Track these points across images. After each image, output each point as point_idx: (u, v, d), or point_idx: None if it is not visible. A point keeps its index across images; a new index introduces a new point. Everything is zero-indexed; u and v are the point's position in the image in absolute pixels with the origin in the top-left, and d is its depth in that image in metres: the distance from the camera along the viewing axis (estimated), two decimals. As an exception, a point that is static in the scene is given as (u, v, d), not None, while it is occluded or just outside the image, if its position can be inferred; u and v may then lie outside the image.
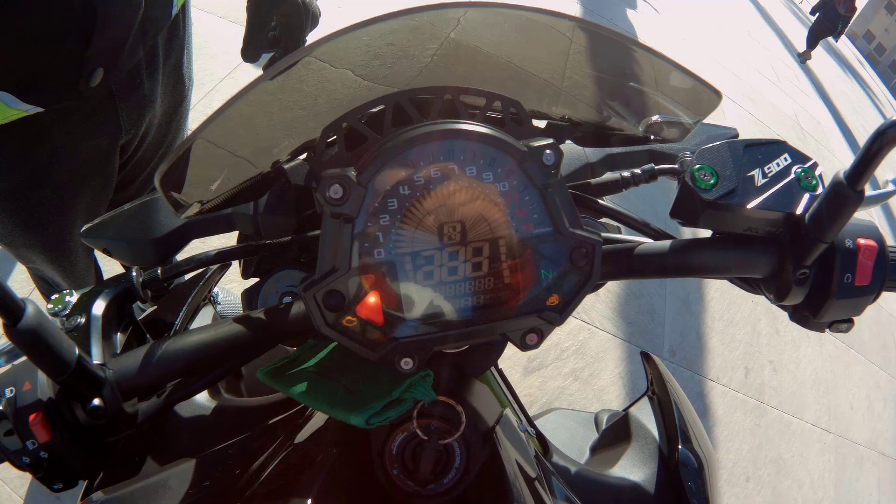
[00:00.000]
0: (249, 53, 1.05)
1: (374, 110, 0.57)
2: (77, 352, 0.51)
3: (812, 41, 11.58)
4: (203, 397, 0.76)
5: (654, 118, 0.70)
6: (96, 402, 0.52)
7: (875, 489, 4.35)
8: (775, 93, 8.16)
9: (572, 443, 0.98)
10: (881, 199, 0.59)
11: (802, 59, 11.43)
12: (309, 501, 0.53)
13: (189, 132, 1.44)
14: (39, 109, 0.92)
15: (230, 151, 0.59)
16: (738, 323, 4.20)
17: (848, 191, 0.53)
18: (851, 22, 10.95)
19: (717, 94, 0.65)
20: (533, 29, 0.60)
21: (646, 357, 1.05)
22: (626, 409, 1.01)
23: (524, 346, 0.55)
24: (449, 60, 0.61)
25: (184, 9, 1.18)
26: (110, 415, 0.53)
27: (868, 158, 0.51)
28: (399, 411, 0.55)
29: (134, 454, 0.67)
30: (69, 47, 0.88)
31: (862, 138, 9.18)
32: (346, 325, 0.51)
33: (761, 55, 9.54)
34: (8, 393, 0.51)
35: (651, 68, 0.64)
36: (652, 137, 0.70)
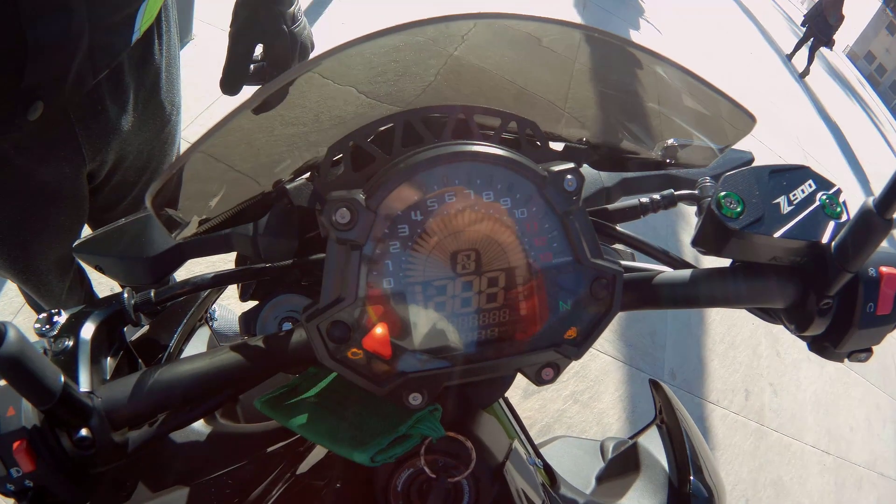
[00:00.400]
0: (229, 85, 1.00)
1: (382, 129, 0.54)
2: (63, 379, 0.47)
3: (810, 56, 11.79)
4: (198, 423, 0.73)
5: (670, 141, 0.67)
6: (84, 432, 0.49)
7: None
8: (777, 113, 8.20)
9: (578, 472, 0.96)
10: None
11: (802, 76, 11.61)
12: None
13: (179, 153, 1.40)
14: None
15: (229, 166, 0.57)
16: (739, 346, 4.20)
17: (877, 219, 0.51)
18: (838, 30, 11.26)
19: (752, 119, 0.62)
20: (541, 45, 0.58)
21: (654, 385, 1.03)
22: (632, 438, 0.99)
23: (539, 381, 0.52)
24: (453, 79, 0.60)
25: (159, 32, 1.14)
26: (98, 445, 0.50)
27: None
28: (406, 448, 0.52)
29: (125, 480, 0.64)
30: (1, 81, 0.84)
31: (864, 159, 9.22)
32: (352, 357, 0.48)
33: (763, 74, 9.60)
34: None
35: (675, 88, 0.61)
36: (669, 161, 0.68)
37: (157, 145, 1.29)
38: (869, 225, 0.52)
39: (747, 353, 4.21)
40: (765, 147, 6.78)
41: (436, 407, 0.54)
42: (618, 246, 0.77)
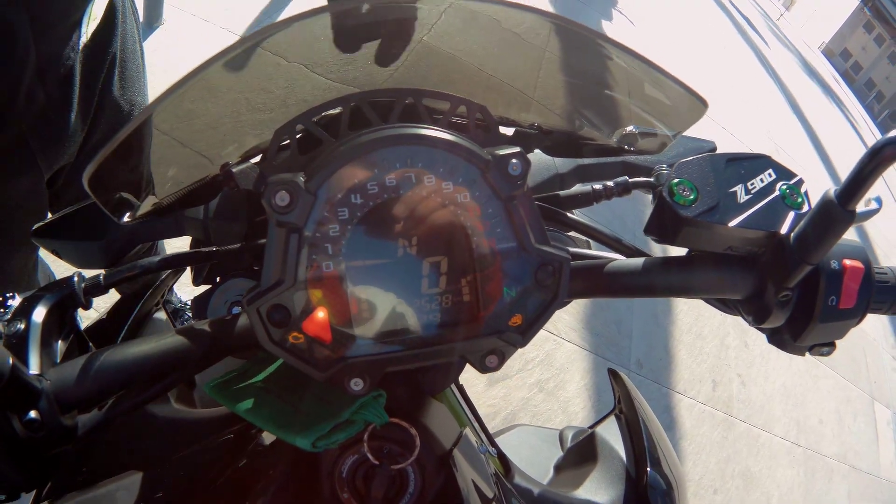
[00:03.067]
0: None
1: (333, 112, 0.54)
2: (11, 361, 0.47)
3: None
4: (153, 408, 0.73)
5: (629, 129, 0.67)
6: (32, 414, 0.49)
7: (845, 501, 4.42)
8: (748, 106, 8.27)
9: (535, 461, 0.96)
10: (865, 217, 0.57)
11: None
12: None
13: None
14: None
15: (179, 142, 0.56)
16: (707, 336, 4.23)
17: (838, 211, 0.51)
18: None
19: (703, 104, 0.62)
20: (506, 32, 0.58)
21: (613, 375, 1.03)
22: (591, 428, 0.99)
23: (484, 369, 0.52)
24: (421, 65, 0.59)
25: (112, 28, 1.11)
26: (47, 427, 0.50)
27: (862, 177, 0.49)
28: (348, 433, 0.52)
29: (83, 464, 0.65)
30: None
31: (836, 155, 9.34)
32: (293, 341, 0.48)
33: (736, 68, 9.67)
34: None
35: (629, 74, 0.61)
36: (626, 148, 0.68)
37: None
38: (830, 216, 0.52)
39: (715, 344, 4.24)
40: (735, 139, 6.84)
41: (380, 393, 0.54)
42: (575, 234, 0.77)
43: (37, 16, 0.85)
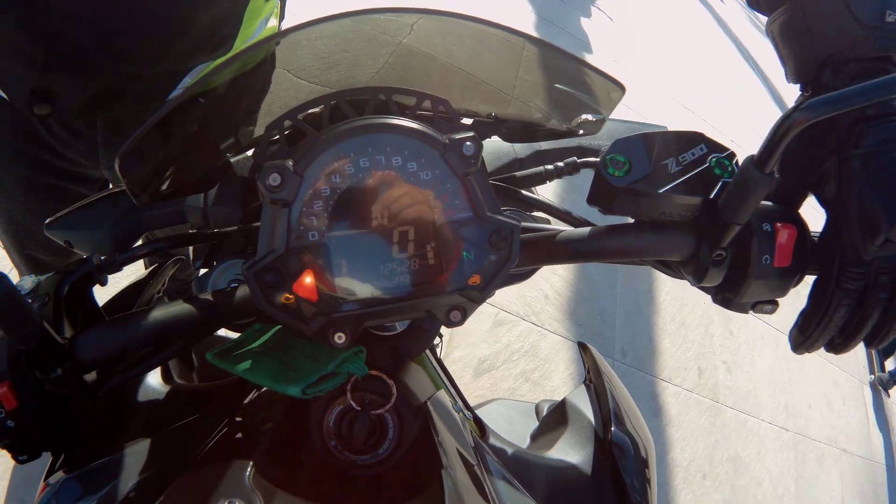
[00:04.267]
0: None
1: (316, 110, 0.61)
2: (44, 323, 0.55)
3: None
4: (157, 383, 0.79)
5: (584, 116, 0.75)
6: (59, 371, 0.57)
7: (838, 485, 4.44)
8: (726, 97, 8.27)
9: (512, 431, 1.00)
10: None
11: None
12: (250, 464, 0.57)
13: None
14: None
15: (186, 137, 0.65)
16: (691, 325, 4.22)
17: (756, 174, 0.57)
18: None
19: (621, 87, 0.70)
20: (467, 39, 0.66)
21: (582, 347, 1.09)
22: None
23: (449, 323, 0.59)
24: (399, 66, 0.67)
25: None
26: (71, 385, 0.58)
27: (774, 142, 0.55)
28: (334, 384, 0.59)
29: (94, 438, 0.70)
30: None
31: None
32: (284, 302, 0.55)
33: (716, 61, 9.66)
34: None
35: (562, 67, 0.69)
36: (577, 132, 0.76)
37: None
38: (749, 179, 0.57)
39: (699, 332, 4.22)
40: (717, 131, 6.81)
41: (360, 349, 0.61)
42: (540, 215, 0.85)
43: None
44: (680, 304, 4.20)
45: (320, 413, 0.62)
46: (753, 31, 12.23)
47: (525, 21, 6.21)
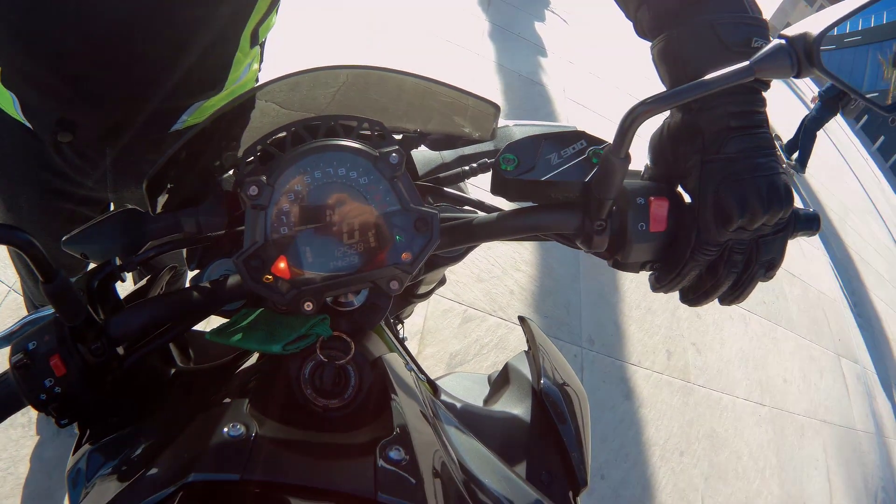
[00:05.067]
0: None
1: (281, 135, 0.78)
2: (87, 305, 0.71)
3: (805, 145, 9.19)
4: (162, 368, 0.93)
5: (493, 124, 0.92)
6: (98, 344, 0.72)
7: (822, 455, 4.53)
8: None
9: (467, 398, 1.10)
10: None
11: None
12: (246, 401, 0.71)
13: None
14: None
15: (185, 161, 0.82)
16: (657, 311, 4.30)
17: (614, 158, 0.70)
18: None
19: (495, 107, 0.87)
20: (387, 80, 0.85)
21: (522, 320, 1.23)
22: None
23: (390, 291, 0.75)
24: (343, 101, 0.85)
25: None
26: (106, 354, 0.72)
27: (623, 132, 0.68)
28: (307, 342, 0.74)
29: (112, 418, 0.81)
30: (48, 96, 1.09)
31: (784, 131, 9.42)
32: (265, 281, 0.71)
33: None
34: (30, 346, 0.69)
35: (449, 93, 0.86)
36: (490, 139, 0.93)
37: None
38: (610, 163, 0.70)
39: (665, 317, 4.30)
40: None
41: (325, 316, 0.77)
42: (467, 207, 1.01)
43: None
44: (644, 291, 4.28)
45: (298, 368, 0.76)
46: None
47: (482, 31, 6.33)
